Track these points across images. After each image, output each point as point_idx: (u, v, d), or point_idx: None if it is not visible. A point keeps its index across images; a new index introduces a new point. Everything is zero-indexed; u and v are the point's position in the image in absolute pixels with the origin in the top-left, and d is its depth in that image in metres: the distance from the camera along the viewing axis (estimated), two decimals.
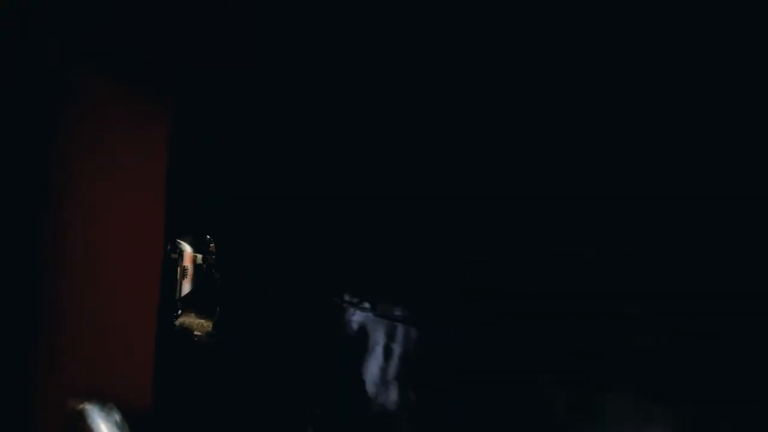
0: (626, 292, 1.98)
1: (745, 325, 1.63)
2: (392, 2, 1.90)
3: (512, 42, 2.02)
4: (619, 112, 2.02)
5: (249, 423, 4.24)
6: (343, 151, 3.54)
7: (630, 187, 2.03)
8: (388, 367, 3.07)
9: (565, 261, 2.23)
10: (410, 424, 2.85)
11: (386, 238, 3.50)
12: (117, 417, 0.85)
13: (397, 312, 3.05)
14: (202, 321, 10.65)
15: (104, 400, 0.88)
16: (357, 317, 3.55)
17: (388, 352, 3.10)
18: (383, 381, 3.14)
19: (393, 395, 2.99)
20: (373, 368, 3.22)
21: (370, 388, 3.24)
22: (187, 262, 11.96)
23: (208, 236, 13.03)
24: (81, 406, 0.88)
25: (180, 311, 11.00)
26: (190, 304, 12.17)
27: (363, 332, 3.40)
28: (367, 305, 3.48)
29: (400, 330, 3.00)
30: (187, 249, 12.15)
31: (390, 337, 3.12)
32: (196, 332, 9.35)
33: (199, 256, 14.28)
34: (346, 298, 3.73)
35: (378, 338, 3.25)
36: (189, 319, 10.74)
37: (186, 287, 11.73)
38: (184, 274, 11.34)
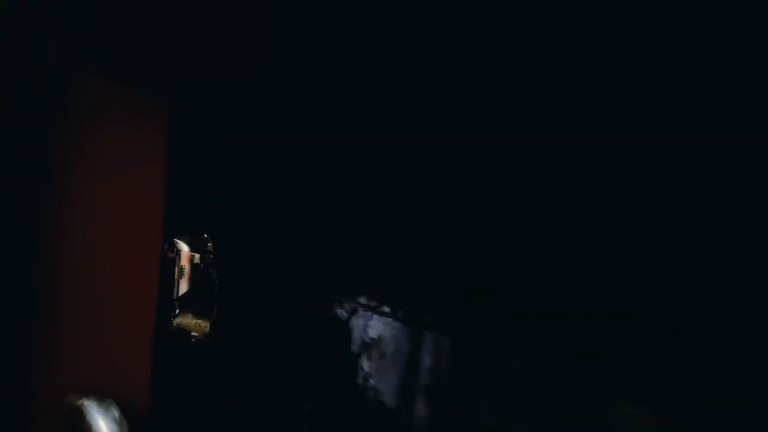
0: (625, 292, 1.99)
1: (743, 325, 1.64)
2: (390, 4, 1.90)
3: (509, 42, 2.02)
4: (616, 113, 2.02)
5: (245, 420, 4.24)
6: (341, 151, 3.57)
7: (627, 187, 2.04)
8: (388, 366, 3.05)
9: (563, 261, 2.23)
10: (406, 422, 2.83)
11: (384, 237, 3.48)
12: (115, 413, 0.85)
13: (398, 311, 3.03)
14: (199, 321, 10.60)
15: (102, 396, 0.89)
16: (356, 317, 3.52)
17: (388, 352, 3.08)
18: (382, 380, 3.11)
19: (391, 394, 2.97)
20: (372, 368, 3.20)
21: (368, 387, 3.22)
22: (184, 262, 11.89)
23: (206, 235, 12.98)
24: (79, 401, 0.88)
25: (177, 311, 10.94)
26: (187, 303, 12.11)
27: (362, 332, 3.37)
28: (368, 305, 3.44)
29: (400, 330, 2.98)
30: (184, 248, 12.09)
31: (390, 336, 3.10)
32: (193, 332, 9.31)
33: (197, 256, 14.21)
34: (345, 297, 3.70)
35: (378, 338, 3.23)
36: (186, 319, 10.69)
37: (183, 287, 11.67)
38: (181, 274, 11.28)
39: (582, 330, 2.10)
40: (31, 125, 0.96)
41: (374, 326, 3.24)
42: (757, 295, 1.62)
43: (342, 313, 3.68)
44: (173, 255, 10.39)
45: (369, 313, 3.39)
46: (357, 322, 3.51)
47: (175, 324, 9.82)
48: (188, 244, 12.68)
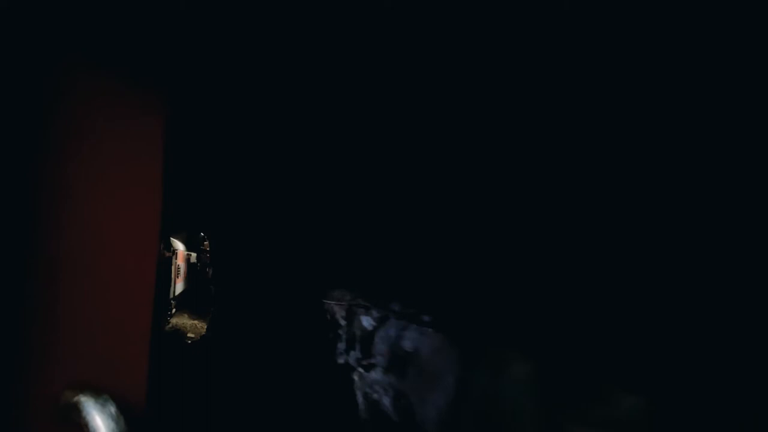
0: (625, 291, 1.98)
1: (740, 326, 1.64)
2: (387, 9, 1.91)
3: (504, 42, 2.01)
4: (612, 115, 2.02)
5: (243, 417, 4.22)
6: (340, 151, 3.51)
7: (625, 187, 2.04)
8: (387, 366, 2.98)
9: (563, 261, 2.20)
10: (402, 421, 2.78)
11: (382, 237, 3.43)
12: (112, 409, 0.85)
13: (398, 310, 2.96)
14: (195, 320, 10.54)
15: (99, 392, 0.88)
16: (356, 316, 3.45)
17: (387, 351, 3.00)
18: (421, 402, 2.75)
19: (434, 420, 2.73)
20: (372, 367, 3.14)
21: (401, 408, 3.02)
22: (180, 261, 11.81)
23: (203, 234, 12.88)
24: (75, 398, 0.88)
25: (174, 310, 10.88)
26: (183, 302, 12.04)
27: (363, 331, 3.30)
28: (403, 313, 3.07)
29: (400, 329, 2.91)
30: (180, 247, 12.01)
31: (432, 350, 2.82)
32: (190, 331, 9.26)
33: (193, 255, 14.11)
34: (372, 302, 3.48)
35: (415, 351, 2.95)
36: (182, 319, 10.63)
37: (179, 287, 11.60)
38: (177, 273, 11.21)
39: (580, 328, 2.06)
40: (23, 120, 0.95)
41: (410, 337, 2.81)
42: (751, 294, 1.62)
43: (369, 321, 3.27)
44: (170, 254, 10.34)
45: (403, 322, 2.96)
46: (387, 332, 3.07)
47: (171, 323, 9.77)
48: (184, 243, 12.60)
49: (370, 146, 3.29)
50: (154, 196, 1.12)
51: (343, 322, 3.54)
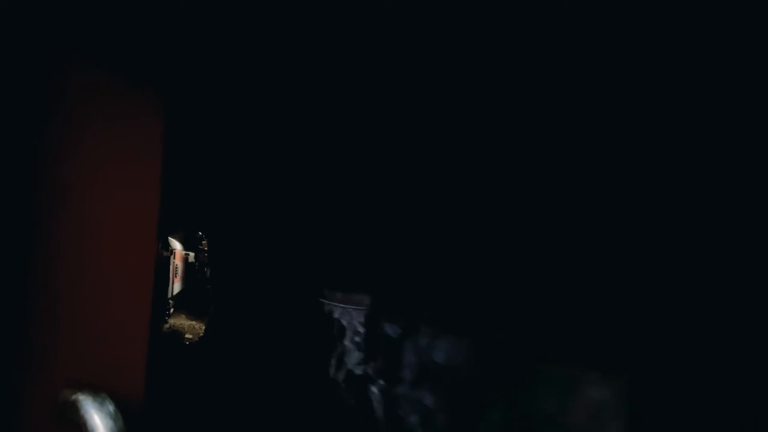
0: (623, 291, 1.92)
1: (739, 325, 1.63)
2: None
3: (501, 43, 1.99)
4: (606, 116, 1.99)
5: (241, 417, 4.20)
6: (339, 150, 3.48)
7: (623, 187, 2.03)
8: (416, 380, 2.76)
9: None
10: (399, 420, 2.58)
11: (381, 237, 3.29)
12: (110, 407, 0.88)
13: (430, 317, 2.74)
14: (193, 321, 10.59)
15: (97, 391, 0.92)
16: (377, 322, 3.21)
17: (416, 364, 2.79)
18: (455, 419, 2.51)
19: (418, 411, 2.69)
20: (397, 381, 2.91)
21: (389, 400, 2.92)
22: (178, 261, 11.85)
23: (200, 233, 12.88)
24: (73, 396, 0.91)
25: (171, 310, 10.88)
26: (181, 302, 12.10)
27: (386, 340, 3.07)
28: (435, 322, 2.78)
29: (433, 338, 2.70)
30: (178, 247, 12.01)
31: (421, 345, 2.77)
32: (187, 331, 9.29)
33: (191, 254, 14.26)
34: (362, 300, 3.39)
35: (406, 347, 2.88)
36: (180, 319, 10.66)
37: (177, 286, 11.62)
38: (175, 272, 11.23)
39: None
40: (22, 120, 0.99)
41: (442, 348, 2.50)
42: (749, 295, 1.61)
43: (393, 329, 2.93)
44: (168, 253, 10.36)
45: (436, 330, 2.63)
46: (416, 343, 2.79)
47: (169, 323, 9.83)
48: (182, 242, 12.65)
49: (370, 145, 3.26)
50: (152, 196, 1.16)
51: (361, 329, 3.27)
